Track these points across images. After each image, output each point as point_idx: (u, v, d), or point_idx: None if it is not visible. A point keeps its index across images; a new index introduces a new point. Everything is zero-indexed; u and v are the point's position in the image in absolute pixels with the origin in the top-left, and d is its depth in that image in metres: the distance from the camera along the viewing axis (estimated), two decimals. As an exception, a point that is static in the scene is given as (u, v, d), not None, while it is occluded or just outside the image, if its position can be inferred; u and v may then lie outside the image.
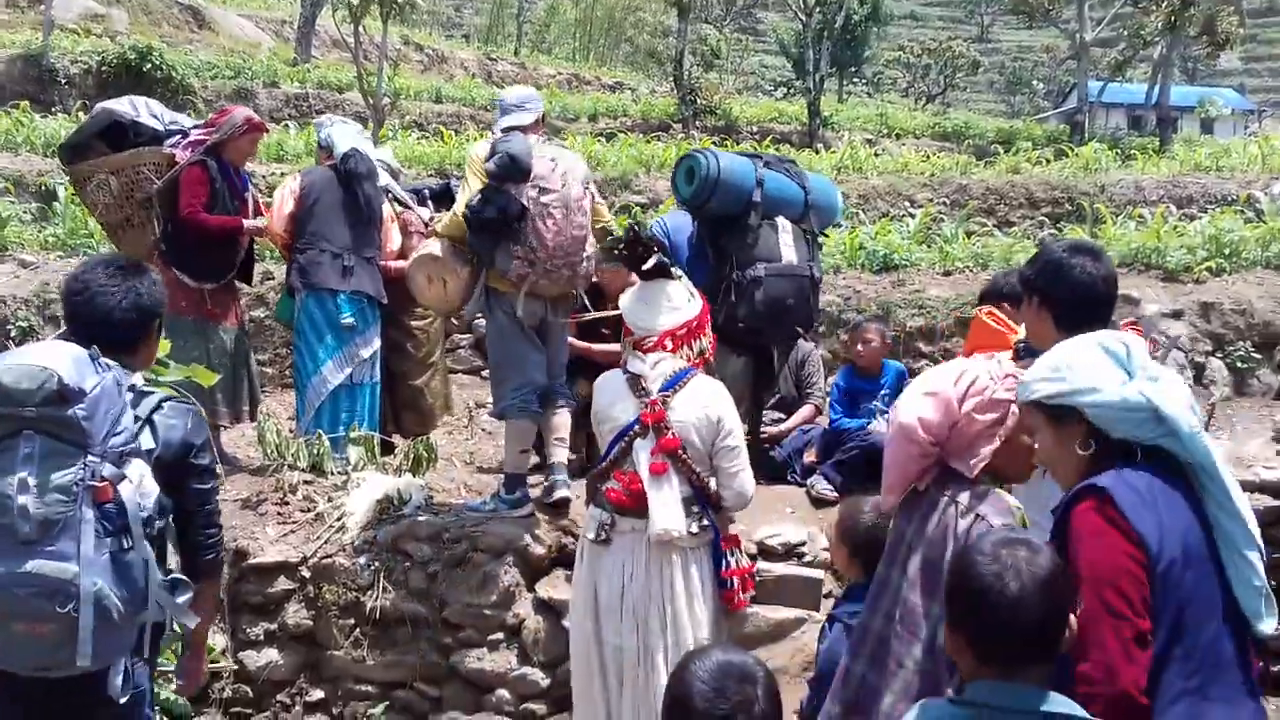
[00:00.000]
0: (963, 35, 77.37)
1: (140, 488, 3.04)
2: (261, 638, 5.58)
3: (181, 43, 27.91)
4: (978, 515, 3.12)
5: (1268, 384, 9.45)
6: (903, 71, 61.16)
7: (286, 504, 5.96)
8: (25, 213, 12.12)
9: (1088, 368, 2.85)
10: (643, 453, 4.27)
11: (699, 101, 27.94)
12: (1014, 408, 3.14)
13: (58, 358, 2.98)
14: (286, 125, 20.39)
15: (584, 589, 4.45)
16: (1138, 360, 2.84)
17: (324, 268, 6.72)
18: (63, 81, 21.33)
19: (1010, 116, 56.86)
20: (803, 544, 5.81)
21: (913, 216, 13.91)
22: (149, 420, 3.19)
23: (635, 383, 4.34)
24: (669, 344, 4.40)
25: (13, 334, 9.20)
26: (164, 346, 3.93)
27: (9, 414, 2.92)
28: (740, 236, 5.91)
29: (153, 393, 3.27)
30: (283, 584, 5.58)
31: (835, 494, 6.03)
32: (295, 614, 5.56)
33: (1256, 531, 2.74)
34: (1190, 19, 28.21)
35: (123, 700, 3.11)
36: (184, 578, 3.27)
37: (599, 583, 4.33)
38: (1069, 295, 3.64)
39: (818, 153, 20.53)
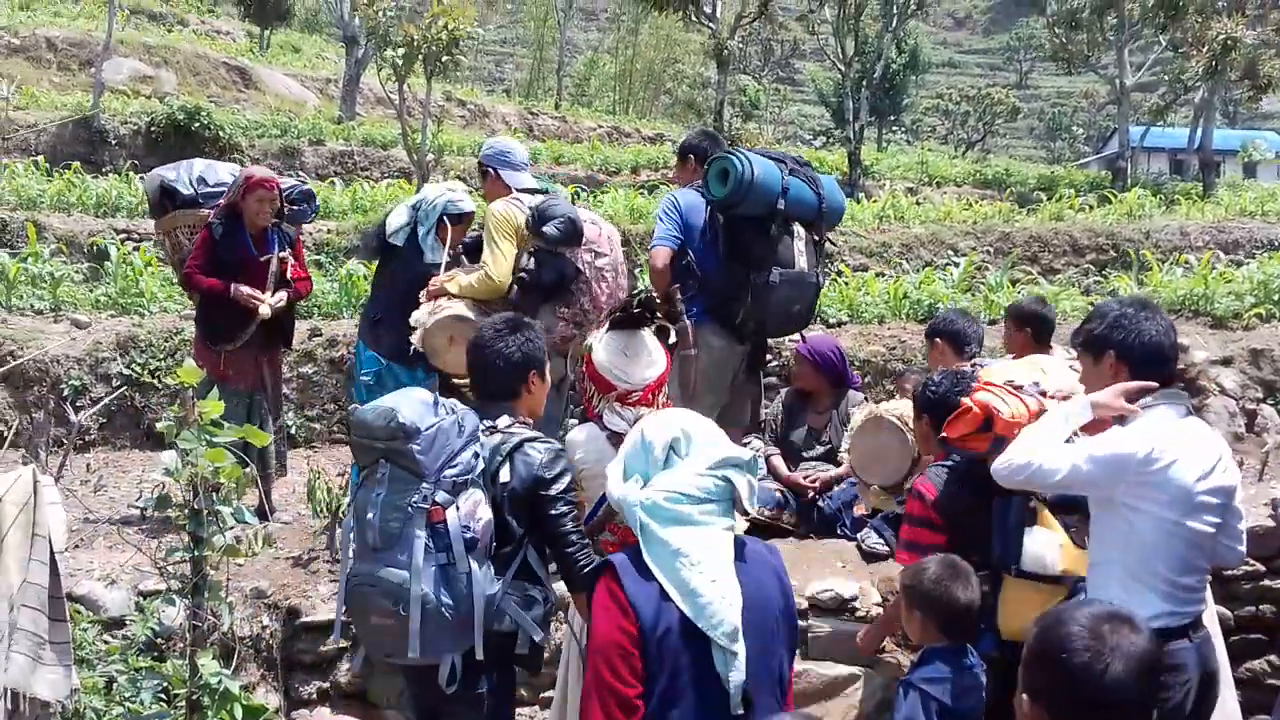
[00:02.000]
0: (1001, 82, 77.65)
1: (472, 514, 3.55)
2: (314, 696, 5.58)
3: (229, 102, 28.35)
4: None
5: (1322, 431, 9.34)
6: (941, 119, 61.31)
7: (338, 561, 5.98)
8: (77, 272, 12.30)
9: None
10: None
11: (739, 152, 28.03)
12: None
13: (406, 401, 3.60)
14: (332, 182, 20.63)
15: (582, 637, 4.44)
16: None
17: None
18: (113, 142, 21.65)
19: (1051, 162, 56.79)
20: (854, 599, 5.75)
21: (956, 265, 13.89)
22: (509, 457, 3.68)
23: (618, 440, 4.20)
24: (650, 396, 4.37)
25: (65, 393, 9.31)
26: (217, 408, 4.03)
27: (368, 444, 3.63)
28: (761, 240, 5.91)
29: (516, 434, 3.75)
30: (335, 642, 5.59)
31: (886, 548, 5.97)
32: (348, 672, 5.57)
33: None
34: (1232, 63, 28.08)
35: (472, 692, 3.65)
36: (537, 595, 3.73)
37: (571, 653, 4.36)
38: (1144, 348, 3.66)
39: (859, 202, 20.52)
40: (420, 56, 17.63)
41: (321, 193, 18.82)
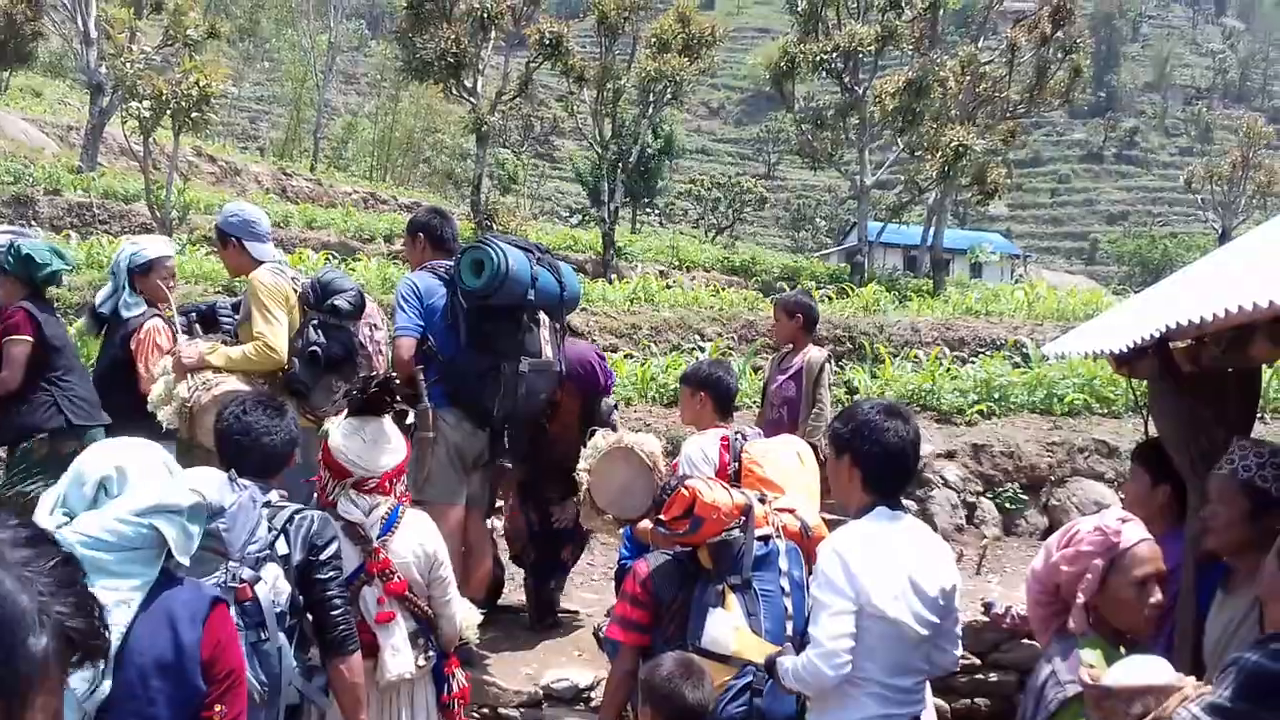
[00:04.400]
0: (751, 171, 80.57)
1: (274, 587, 3.50)
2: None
3: (-42, 144, 26.86)
4: (1052, 670, 3.19)
5: (1035, 524, 9.87)
6: (694, 203, 62.93)
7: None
8: None
9: None
10: (370, 600, 4.18)
11: (495, 225, 28.17)
12: (1096, 561, 3.20)
13: (204, 481, 3.48)
14: (68, 235, 19.69)
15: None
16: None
17: None
18: None
19: (794, 251, 59.08)
20: (591, 688, 5.78)
21: (702, 350, 14.24)
22: (284, 529, 3.64)
23: (352, 530, 4.18)
24: (389, 484, 4.31)
25: None
26: None
27: None
28: (510, 330, 5.88)
29: (286, 507, 3.73)
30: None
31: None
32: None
33: None
34: (962, 169, 29.93)
35: None
36: (318, 665, 3.74)
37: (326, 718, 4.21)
38: (882, 460, 3.76)
39: (611, 283, 20.85)
40: (168, 111, 17.10)
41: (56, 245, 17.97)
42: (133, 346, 6.29)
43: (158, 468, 2.95)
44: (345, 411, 4.43)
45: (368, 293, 6.06)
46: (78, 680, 2.60)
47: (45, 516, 2.80)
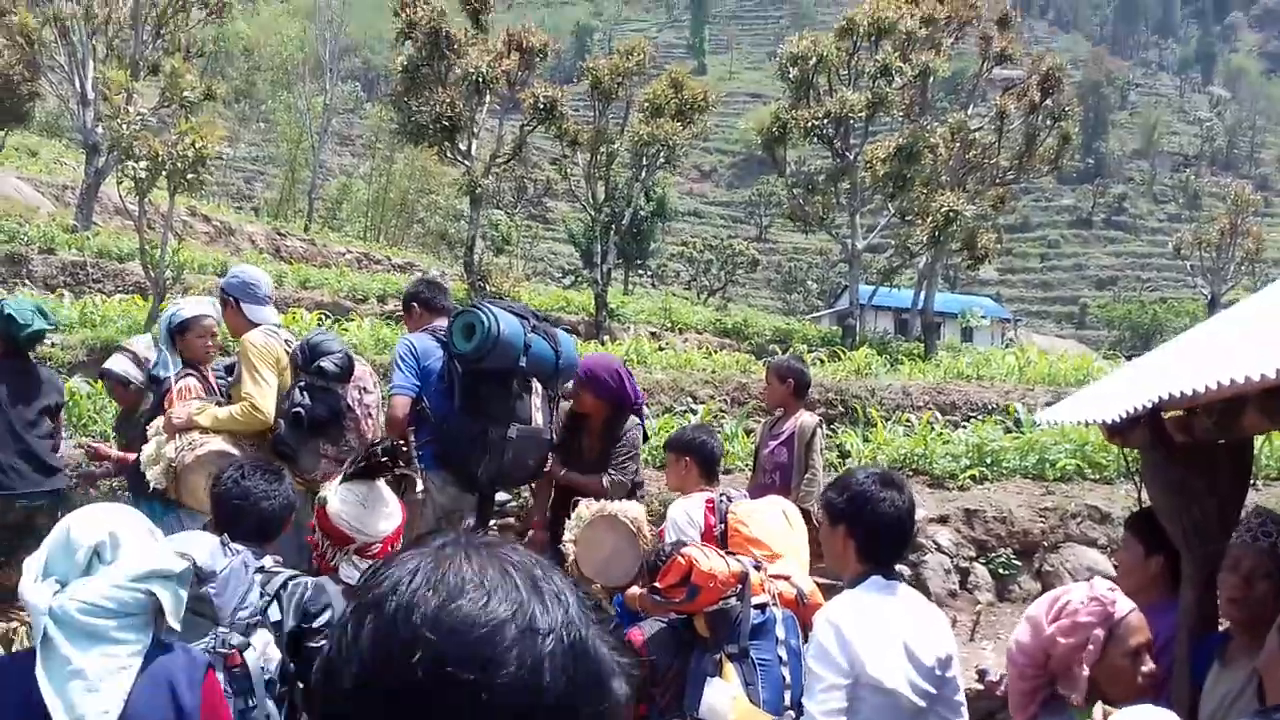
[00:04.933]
0: (742, 234, 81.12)
1: (264, 654, 3.47)
2: None
3: (-47, 203, 26.94)
4: None
5: (1028, 590, 9.85)
6: (686, 265, 63.22)
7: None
8: None
9: None
10: None
11: (489, 286, 28.25)
12: (1097, 630, 3.20)
13: (196, 545, 3.51)
14: (61, 294, 19.72)
15: None
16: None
17: None
18: None
19: (786, 313, 59.30)
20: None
21: (695, 413, 14.24)
22: (276, 595, 3.63)
23: (351, 594, 4.17)
24: (390, 549, 4.31)
25: None
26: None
27: None
28: (502, 396, 5.93)
29: (280, 572, 3.73)
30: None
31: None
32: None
33: None
34: (952, 234, 30.11)
35: None
36: None
37: None
38: (876, 528, 3.77)
39: (604, 344, 20.90)
40: (164, 172, 17.17)
41: (49, 305, 17.98)
42: (166, 405, 6.31)
43: (145, 533, 2.96)
44: (341, 477, 4.45)
45: (361, 353, 6.13)
46: None
47: (33, 585, 2.79)
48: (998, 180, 33.72)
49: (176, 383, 6.30)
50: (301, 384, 5.62)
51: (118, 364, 7.16)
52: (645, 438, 7.14)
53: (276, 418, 5.67)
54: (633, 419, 6.72)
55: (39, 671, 2.69)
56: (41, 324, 6.61)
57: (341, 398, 5.59)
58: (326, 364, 5.50)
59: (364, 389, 5.82)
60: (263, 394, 5.65)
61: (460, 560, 1.21)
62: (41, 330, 6.62)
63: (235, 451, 5.47)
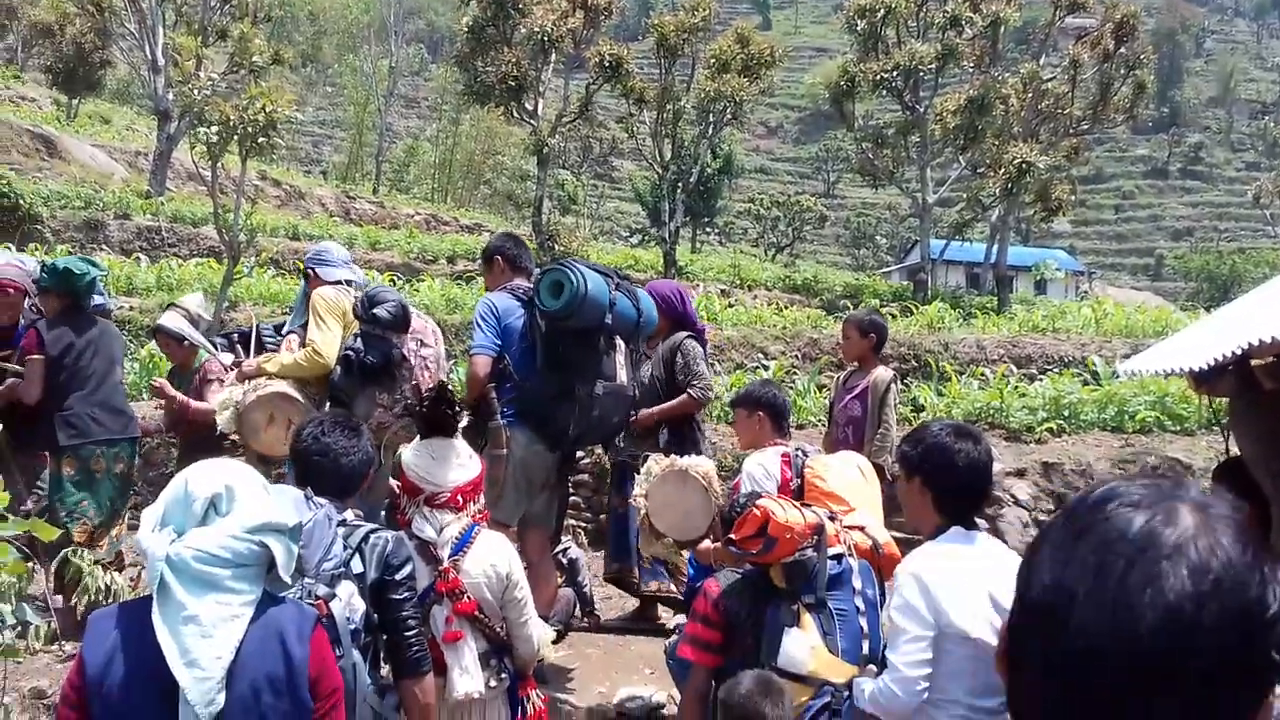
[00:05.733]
0: (810, 190, 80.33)
1: (348, 605, 3.49)
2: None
3: (31, 171, 27.33)
4: None
5: (1106, 543, 9.72)
6: (753, 222, 62.88)
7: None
8: None
9: None
10: (439, 618, 4.20)
11: (557, 246, 28.30)
12: None
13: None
14: (138, 258, 20.01)
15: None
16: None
17: None
18: (-96, 207, 20.68)
19: (855, 269, 58.78)
20: (662, 707, 5.76)
21: (766, 369, 14.19)
22: (358, 548, 3.64)
23: (425, 549, 4.22)
24: (460, 500, 4.33)
25: None
26: (1, 499, 3.88)
27: None
28: (588, 353, 5.92)
29: (361, 526, 3.74)
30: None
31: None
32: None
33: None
34: (1025, 186, 29.65)
35: None
36: (390, 683, 3.73)
37: None
38: (954, 482, 3.74)
39: (673, 302, 20.84)
40: (235, 136, 17.31)
41: (125, 269, 18.28)
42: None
43: (259, 488, 3.02)
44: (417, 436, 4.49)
45: (431, 313, 6.20)
46: (195, 693, 2.68)
47: (151, 534, 2.86)
48: (1071, 131, 33.14)
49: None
50: (357, 332, 5.74)
51: (171, 321, 7.29)
52: (706, 357, 7.31)
53: (336, 364, 5.84)
54: (688, 342, 7.01)
55: (155, 617, 2.75)
56: (96, 270, 6.78)
57: (396, 347, 5.64)
58: (380, 311, 5.58)
59: (422, 342, 5.86)
60: (325, 339, 5.84)
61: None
62: (96, 278, 6.78)
63: (295, 394, 5.71)
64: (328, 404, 5.91)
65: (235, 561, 2.83)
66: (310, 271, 6.47)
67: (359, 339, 5.69)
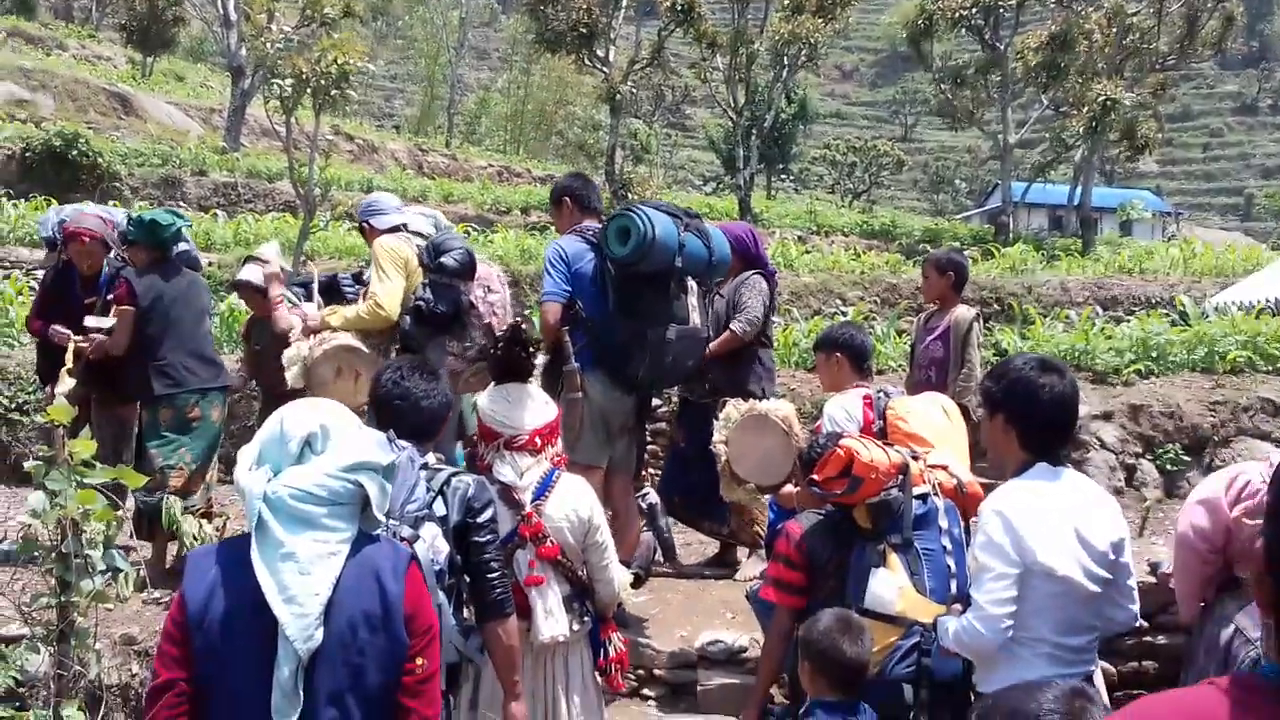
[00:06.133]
0: (886, 134, 79.28)
1: (432, 546, 3.53)
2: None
3: (108, 129, 27.68)
4: (1237, 628, 3.05)
5: (1198, 486, 9.51)
6: (829, 168, 62.19)
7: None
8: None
9: None
10: (522, 563, 4.20)
11: (630, 195, 28.19)
12: None
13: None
14: (215, 214, 20.23)
15: (464, 684, 4.33)
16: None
17: None
18: (-13, 167, 21.03)
19: (934, 214, 58.05)
20: (744, 650, 5.72)
21: (845, 315, 14.04)
22: (441, 491, 3.67)
23: (506, 493, 4.21)
24: (538, 442, 4.32)
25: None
26: (89, 447, 3.87)
27: None
28: (659, 297, 5.83)
29: (443, 469, 3.77)
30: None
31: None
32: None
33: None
34: (1110, 124, 28.96)
35: None
36: (473, 625, 3.77)
37: (481, 678, 4.21)
38: (1039, 417, 3.64)
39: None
40: (309, 90, 17.37)
41: (203, 225, 18.47)
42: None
43: (354, 427, 3.06)
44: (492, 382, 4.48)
45: (506, 264, 6.17)
46: (294, 629, 2.70)
47: (248, 473, 2.89)
48: (1157, 66, 32.33)
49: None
50: (425, 281, 5.70)
51: (252, 274, 7.30)
52: (773, 299, 7.29)
53: (403, 314, 5.80)
54: (755, 279, 6.99)
55: (253, 553, 2.78)
56: (181, 221, 6.86)
57: (464, 294, 5.60)
58: (447, 260, 5.56)
59: (489, 288, 5.81)
60: (387, 291, 5.80)
61: None
62: (181, 228, 6.83)
63: (361, 346, 5.71)
64: (394, 353, 5.90)
65: (331, 499, 2.85)
66: (365, 225, 6.46)
67: (427, 288, 5.66)
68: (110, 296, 6.73)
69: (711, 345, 6.74)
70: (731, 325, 6.88)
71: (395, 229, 6.23)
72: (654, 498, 7.35)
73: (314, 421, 2.95)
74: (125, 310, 6.50)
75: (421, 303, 5.58)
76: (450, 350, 5.53)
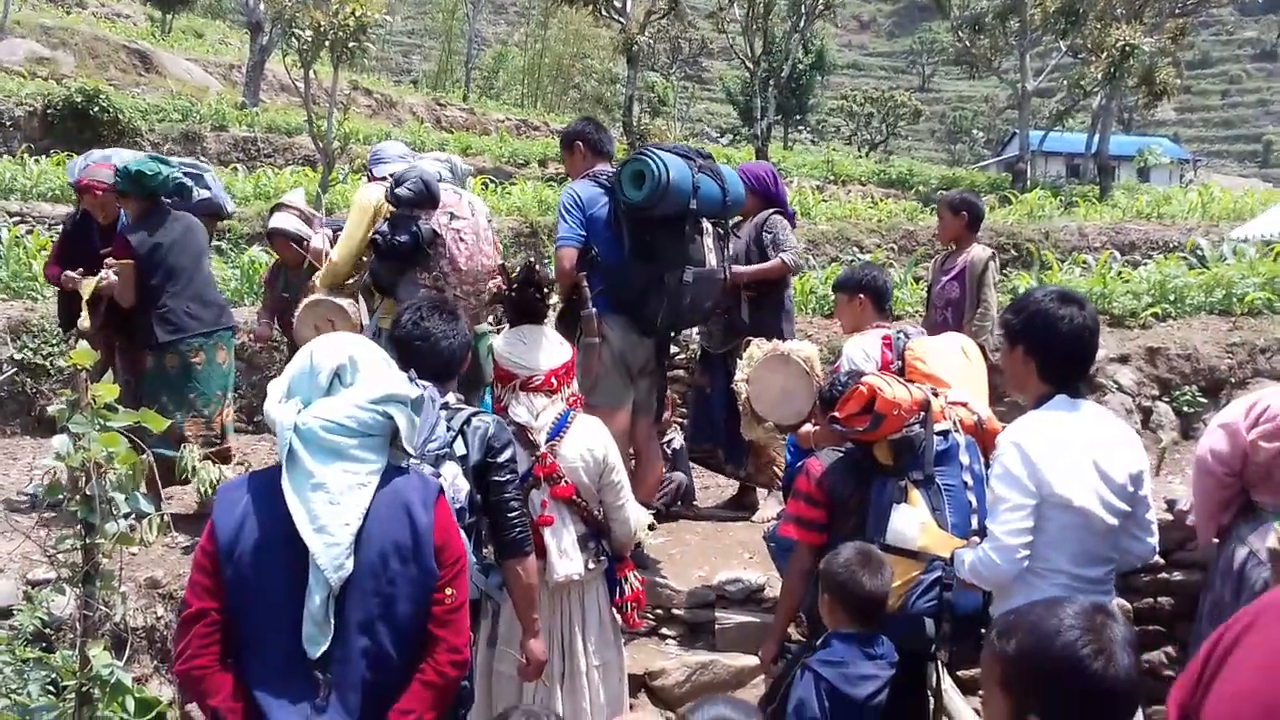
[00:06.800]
0: (904, 85, 78.71)
1: (453, 485, 3.50)
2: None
3: (129, 85, 27.63)
4: (1250, 551, 3.09)
5: (1215, 428, 9.52)
6: (846, 119, 61.85)
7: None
8: (-32, 256, 11.90)
9: None
10: (536, 502, 4.24)
11: (647, 148, 28.07)
12: None
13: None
14: (235, 168, 20.25)
15: (483, 621, 4.39)
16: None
17: None
18: (7, 124, 21.04)
19: (951, 164, 57.69)
20: (761, 589, 5.78)
21: (863, 260, 14.00)
22: (461, 431, 3.68)
23: (521, 434, 4.25)
24: (554, 382, 4.36)
25: (-44, 377, 9.00)
26: (112, 391, 3.92)
27: None
28: (674, 239, 5.80)
29: (463, 409, 3.79)
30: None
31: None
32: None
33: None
34: (1130, 70, 28.69)
35: None
36: (493, 563, 3.83)
37: (500, 615, 4.27)
38: (1058, 348, 3.63)
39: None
40: (327, 43, 17.36)
41: (224, 179, 18.49)
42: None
43: (382, 360, 3.08)
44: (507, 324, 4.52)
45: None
46: (325, 558, 2.74)
47: (278, 405, 2.93)
48: (1176, 11, 31.98)
49: None
50: (386, 215, 5.71)
51: (287, 222, 7.34)
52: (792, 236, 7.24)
53: (368, 251, 5.89)
54: (776, 219, 7.00)
55: (284, 483, 2.81)
56: (169, 169, 6.81)
57: (426, 224, 5.58)
58: (401, 190, 5.55)
59: (453, 214, 5.75)
60: (340, 244, 6.06)
61: None
62: (169, 175, 6.79)
63: (332, 299, 5.95)
64: (363, 295, 6.07)
65: (361, 431, 2.88)
66: (371, 172, 6.58)
67: (386, 222, 5.65)
68: (105, 256, 6.70)
69: (758, 267, 6.84)
70: (782, 256, 6.87)
71: (383, 178, 6.20)
72: (679, 443, 7.41)
73: (343, 353, 2.98)
74: (126, 264, 6.53)
75: (378, 236, 5.57)
76: (422, 283, 5.53)
